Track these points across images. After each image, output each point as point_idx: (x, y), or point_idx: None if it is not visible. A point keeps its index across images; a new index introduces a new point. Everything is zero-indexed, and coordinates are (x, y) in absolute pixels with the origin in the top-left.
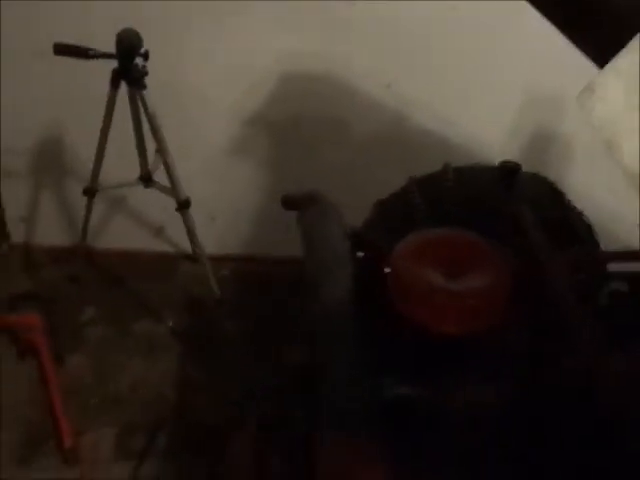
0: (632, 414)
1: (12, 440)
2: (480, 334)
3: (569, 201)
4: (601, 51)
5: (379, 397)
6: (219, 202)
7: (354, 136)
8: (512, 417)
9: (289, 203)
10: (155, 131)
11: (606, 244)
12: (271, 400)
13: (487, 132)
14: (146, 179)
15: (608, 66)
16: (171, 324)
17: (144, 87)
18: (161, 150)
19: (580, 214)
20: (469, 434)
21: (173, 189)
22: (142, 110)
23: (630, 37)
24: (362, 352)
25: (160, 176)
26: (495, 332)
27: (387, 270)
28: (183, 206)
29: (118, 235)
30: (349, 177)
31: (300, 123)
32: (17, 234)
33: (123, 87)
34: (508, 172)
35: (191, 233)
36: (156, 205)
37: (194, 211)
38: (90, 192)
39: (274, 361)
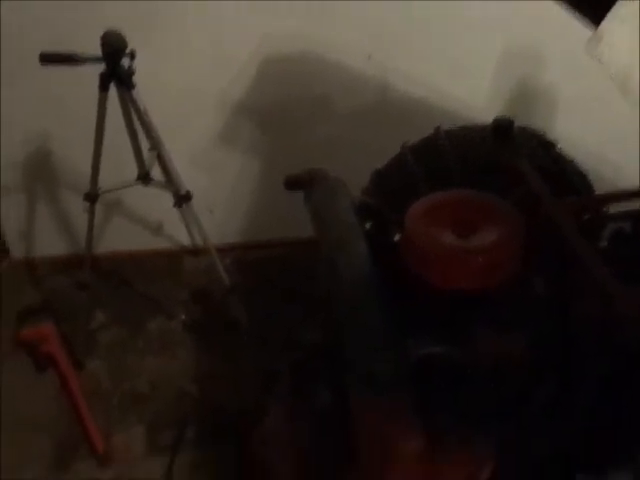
0: None
1: (46, 450)
2: (497, 287)
3: (560, 150)
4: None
5: (407, 358)
6: (215, 194)
7: (341, 110)
8: (535, 364)
9: (292, 183)
10: (148, 129)
11: (596, 187)
12: (296, 375)
13: (470, 92)
14: (145, 178)
15: (611, 14)
16: (183, 318)
17: (133, 86)
18: (157, 146)
19: (571, 162)
20: (495, 385)
21: (173, 184)
22: (132, 109)
23: None
24: (386, 317)
25: (156, 174)
26: (511, 284)
27: (397, 237)
28: (184, 199)
29: (117, 238)
30: (341, 151)
31: (286, 105)
32: (17, 249)
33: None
34: (502, 128)
35: (197, 225)
36: (152, 204)
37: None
38: (91, 197)
39: (292, 341)
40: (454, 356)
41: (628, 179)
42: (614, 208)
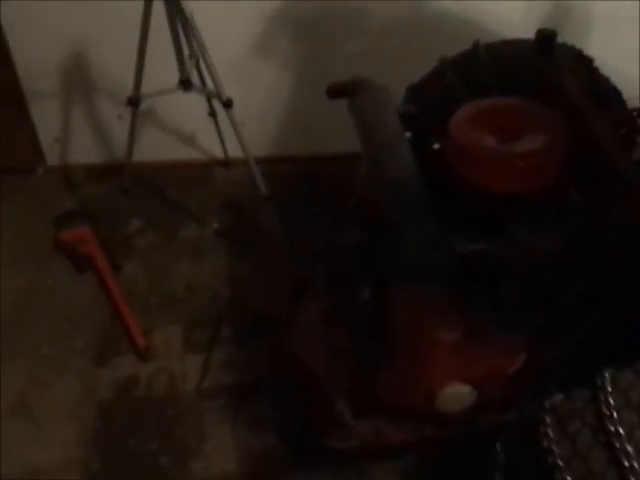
0: None
1: (88, 345)
2: (537, 191)
3: (596, 68)
4: None
5: (451, 254)
6: (246, 106)
7: (375, 24)
8: (569, 263)
9: (335, 91)
10: (193, 35)
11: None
12: (330, 276)
13: (505, 7)
14: (185, 83)
15: None
16: (216, 226)
17: None
18: (200, 52)
19: (607, 78)
20: (530, 282)
21: (216, 89)
22: (177, 14)
23: None
24: (431, 215)
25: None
26: (550, 189)
27: (436, 146)
28: (226, 106)
29: (149, 147)
30: (374, 66)
31: (322, 16)
32: (52, 156)
33: None
34: (546, 40)
35: (235, 133)
36: (184, 114)
37: (222, 117)
38: (134, 101)
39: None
40: (494, 253)
41: None
42: None
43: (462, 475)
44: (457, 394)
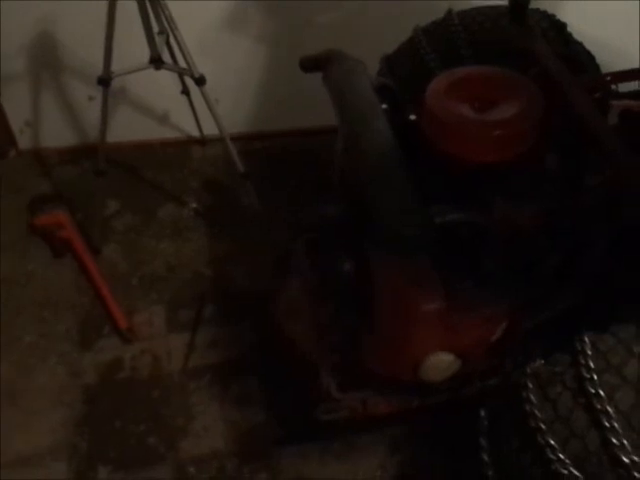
0: None
1: (70, 329)
2: (513, 160)
3: (570, 33)
4: None
5: (430, 224)
6: (220, 82)
7: None
8: (547, 232)
9: (308, 64)
10: (162, 9)
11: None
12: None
13: None
14: (156, 61)
15: None
16: (195, 205)
17: None
18: (170, 28)
19: (580, 44)
20: (510, 250)
21: (188, 66)
22: None
23: None
24: (408, 186)
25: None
26: (527, 157)
27: (412, 117)
28: (199, 83)
29: (122, 127)
30: (349, 38)
31: None
32: (23, 140)
33: None
34: (519, 6)
35: (209, 110)
36: (156, 92)
37: (196, 96)
38: (105, 81)
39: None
40: (473, 223)
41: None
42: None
43: (448, 442)
44: (441, 363)
